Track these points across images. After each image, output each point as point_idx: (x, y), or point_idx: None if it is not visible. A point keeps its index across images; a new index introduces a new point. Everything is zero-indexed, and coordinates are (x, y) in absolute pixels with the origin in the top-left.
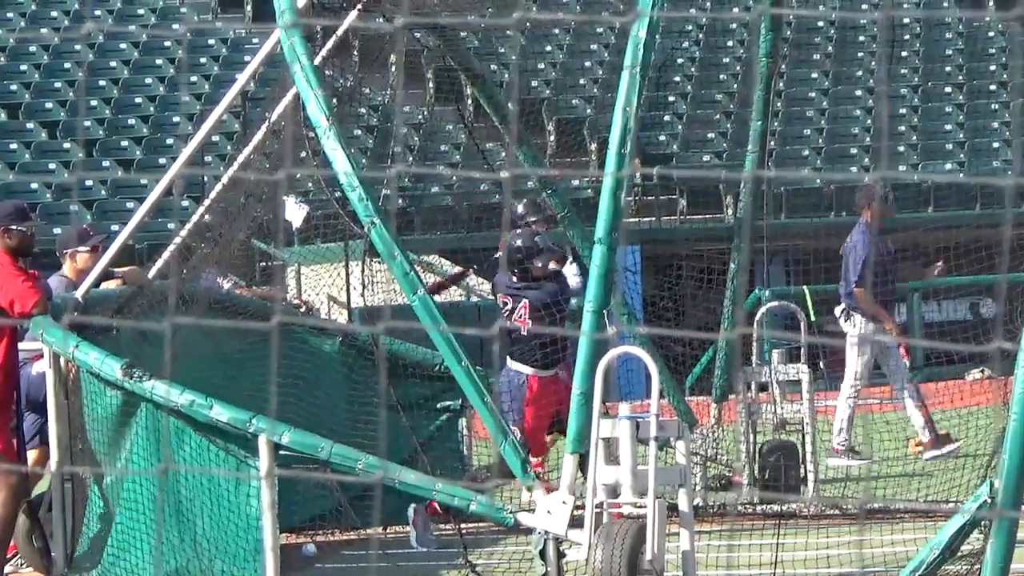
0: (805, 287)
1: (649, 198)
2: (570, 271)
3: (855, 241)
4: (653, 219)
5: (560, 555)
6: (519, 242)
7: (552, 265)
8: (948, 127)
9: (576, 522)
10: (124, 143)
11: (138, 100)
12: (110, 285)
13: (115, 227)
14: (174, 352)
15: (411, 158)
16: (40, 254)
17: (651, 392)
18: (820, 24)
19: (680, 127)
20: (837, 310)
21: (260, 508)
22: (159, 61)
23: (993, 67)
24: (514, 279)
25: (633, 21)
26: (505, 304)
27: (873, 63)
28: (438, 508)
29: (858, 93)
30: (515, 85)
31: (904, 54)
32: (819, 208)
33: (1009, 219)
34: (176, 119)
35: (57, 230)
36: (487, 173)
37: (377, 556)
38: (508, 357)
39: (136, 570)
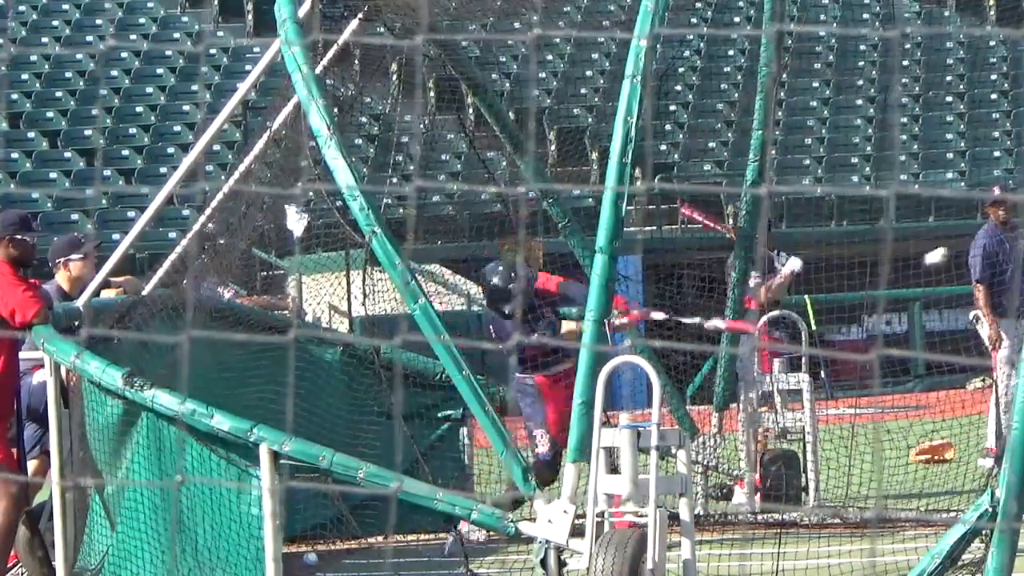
0: (806, 296)
1: (650, 207)
2: None
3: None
4: (654, 228)
5: (561, 564)
6: (496, 280)
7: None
8: (949, 136)
9: (577, 531)
10: (125, 152)
11: (139, 109)
12: (108, 294)
13: (116, 236)
14: (176, 361)
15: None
16: (37, 264)
17: (652, 401)
18: (821, 33)
19: (681, 136)
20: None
21: (261, 517)
22: (160, 71)
23: (994, 76)
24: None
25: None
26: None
27: (874, 72)
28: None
29: (859, 102)
30: (532, 104)
31: (905, 63)
32: (820, 217)
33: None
34: (177, 128)
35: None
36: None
37: (378, 564)
38: (516, 374)
39: None
